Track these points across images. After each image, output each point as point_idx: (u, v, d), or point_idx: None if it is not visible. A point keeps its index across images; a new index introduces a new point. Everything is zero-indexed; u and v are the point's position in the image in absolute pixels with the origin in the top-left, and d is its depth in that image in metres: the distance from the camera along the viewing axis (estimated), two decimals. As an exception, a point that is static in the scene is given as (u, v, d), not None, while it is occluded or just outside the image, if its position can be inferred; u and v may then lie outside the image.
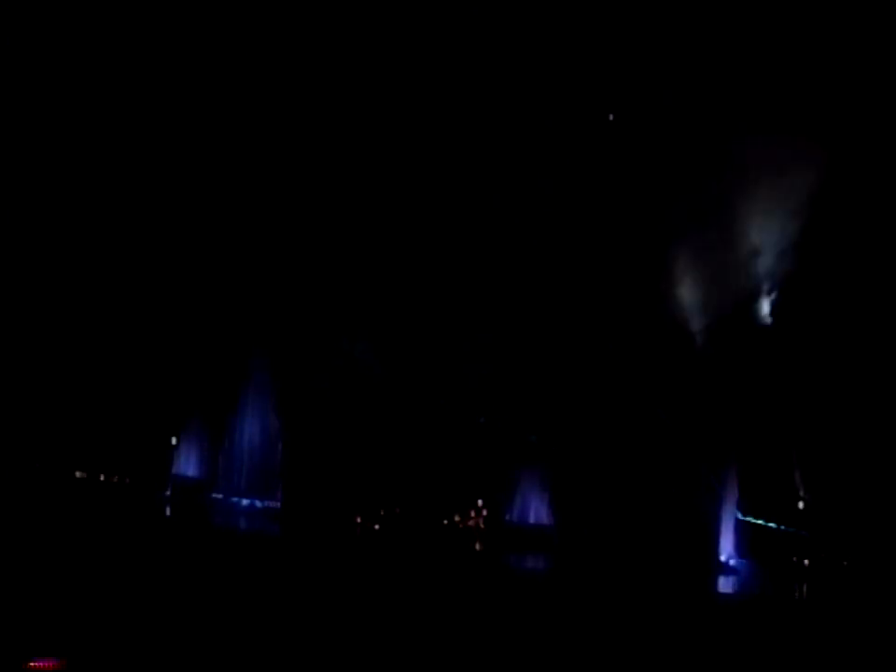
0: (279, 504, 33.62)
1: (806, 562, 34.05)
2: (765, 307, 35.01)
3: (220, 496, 33.74)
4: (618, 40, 32.97)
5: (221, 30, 33.24)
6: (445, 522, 35.68)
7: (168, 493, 33.95)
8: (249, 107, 33.91)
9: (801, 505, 34.59)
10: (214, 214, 34.33)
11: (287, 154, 34.33)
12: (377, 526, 34.41)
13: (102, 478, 34.51)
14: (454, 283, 34.50)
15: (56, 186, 33.64)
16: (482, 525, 35.73)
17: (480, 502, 35.93)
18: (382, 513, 35.08)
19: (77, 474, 34.10)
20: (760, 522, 34.65)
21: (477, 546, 34.51)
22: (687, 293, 34.91)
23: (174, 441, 34.68)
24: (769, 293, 34.91)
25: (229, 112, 33.78)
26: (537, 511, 34.43)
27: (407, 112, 34.01)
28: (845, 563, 32.76)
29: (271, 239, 34.96)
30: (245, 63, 33.44)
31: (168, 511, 32.77)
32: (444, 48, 33.35)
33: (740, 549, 33.68)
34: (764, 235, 34.09)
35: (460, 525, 35.70)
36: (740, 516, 34.14)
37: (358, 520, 34.39)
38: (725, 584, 32.25)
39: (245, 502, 33.58)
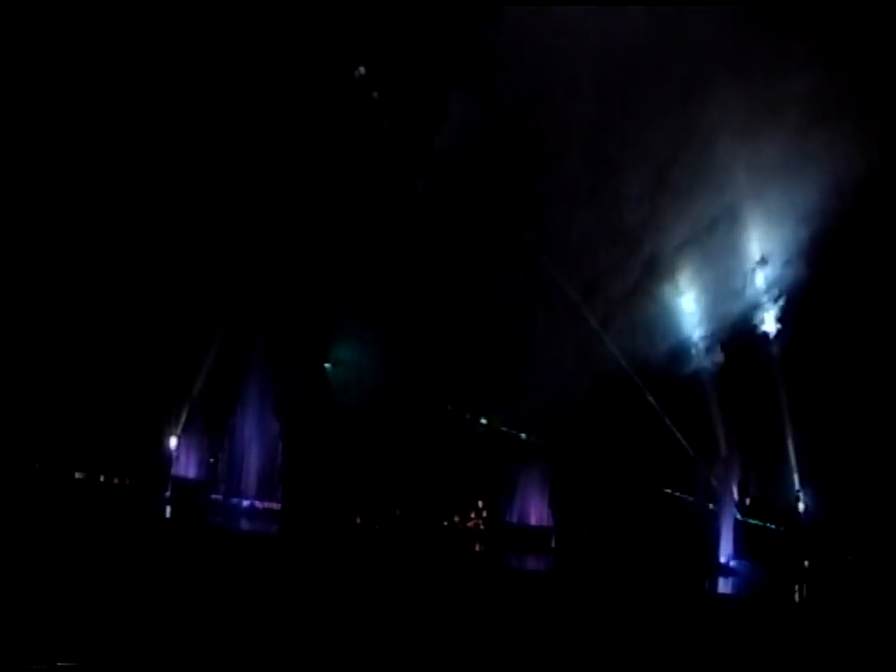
0: (279, 505, 33.59)
1: (806, 562, 34.06)
2: (770, 312, 35.20)
3: (220, 497, 33.73)
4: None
5: (220, 30, 33.24)
6: (445, 523, 35.67)
7: (168, 494, 33.94)
8: (248, 109, 33.95)
9: (801, 506, 34.60)
10: (216, 217, 34.35)
11: (290, 168, 34.46)
12: (377, 527, 34.40)
13: (102, 478, 34.50)
14: (453, 287, 34.54)
15: (56, 185, 33.63)
16: (481, 527, 35.72)
17: (480, 503, 35.93)
18: (382, 514, 35.08)
19: (77, 475, 34.08)
20: (759, 522, 34.66)
21: (477, 547, 34.50)
22: (691, 297, 35.11)
23: (174, 441, 34.67)
24: (774, 299, 35.11)
25: (228, 114, 33.80)
26: (537, 511, 34.43)
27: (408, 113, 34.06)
28: (845, 558, 32.77)
29: (270, 240, 35.00)
30: (244, 61, 33.44)
31: (168, 513, 32.74)
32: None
33: (739, 550, 33.68)
34: (772, 243, 34.36)
35: (460, 527, 35.69)
36: (739, 517, 34.15)
37: (358, 520, 34.40)
38: (725, 585, 32.25)
39: (245, 503, 33.55)
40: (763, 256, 34.70)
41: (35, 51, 32.75)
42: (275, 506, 33.56)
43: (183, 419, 34.55)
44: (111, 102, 33.25)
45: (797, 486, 34.43)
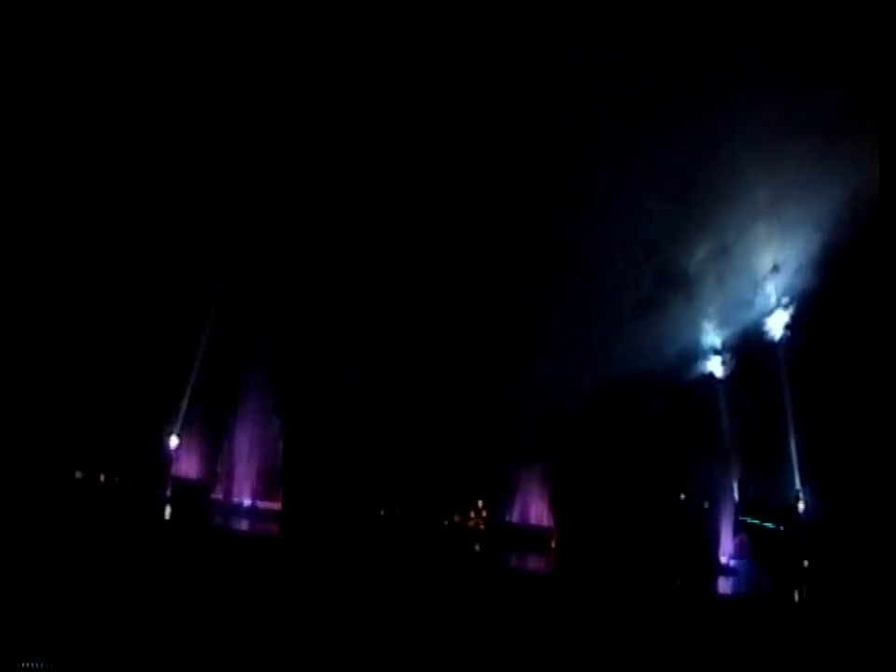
0: (279, 505, 33.60)
1: (806, 562, 34.07)
2: (774, 318, 35.50)
3: (220, 497, 33.74)
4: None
5: (222, 30, 33.27)
6: (445, 523, 35.70)
7: (168, 493, 33.96)
8: (255, 109, 34.02)
9: (801, 506, 34.65)
10: (219, 218, 34.43)
11: (298, 172, 34.54)
12: (378, 527, 34.43)
13: (102, 478, 34.52)
14: (459, 292, 34.67)
15: (57, 185, 33.66)
16: (481, 526, 35.74)
17: (480, 503, 35.96)
18: (382, 513, 35.11)
19: (77, 474, 34.10)
20: (759, 523, 34.71)
21: (477, 547, 34.52)
22: (699, 304, 35.34)
23: (174, 441, 34.69)
24: (783, 307, 35.43)
25: (234, 112, 33.86)
26: (537, 511, 34.48)
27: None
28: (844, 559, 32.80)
29: (274, 241, 35.11)
30: (246, 63, 33.48)
31: (168, 512, 32.75)
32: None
33: (740, 550, 33.74)
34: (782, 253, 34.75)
35: (460, 526, 35.72)
36: (740, 517, 34.23)
37: (359, 520, 34.42)
38: (725, 585, 32.28)
39: (245, 503, 33.55)
40: (774, 265, 35.02)
41: (35, 52, 32.80)
42: (275, 506, 33.57)
43: (183, 418, 34.61)
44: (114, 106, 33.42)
45: (797, 486, 34.50)
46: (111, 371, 33.92)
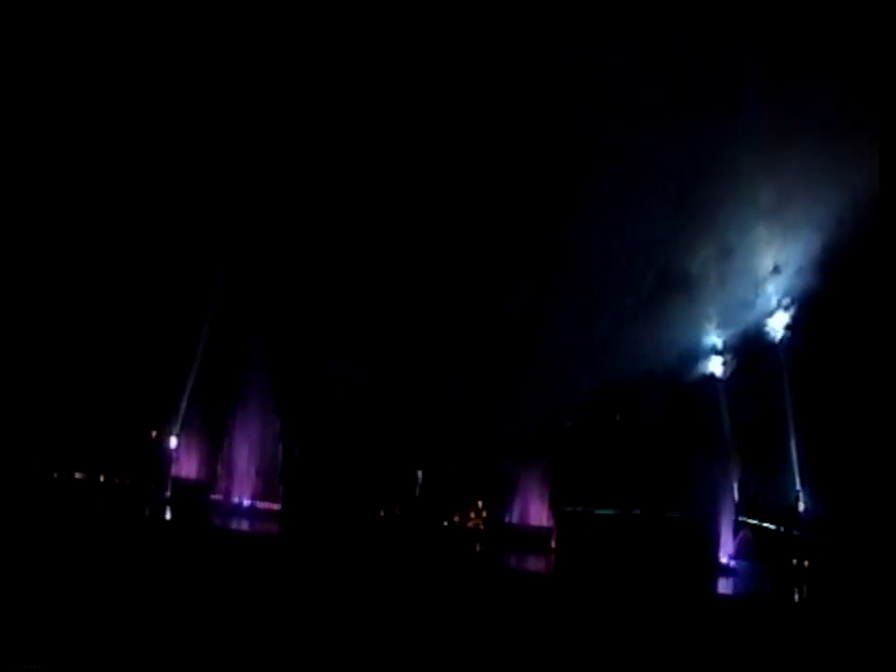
0: (279, 505, 33.59)
1: (806, 563, 34.08)
2: (776, 319, 35.58)
3: (220, 497, 33.72)
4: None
5: (222, 30, 33.29)
6: (445, 523, 35.70)
7: (168, 494, 33.96)
8: (254, 110, 34.02)
9: (801, 506, 34.65)
10: (220, 218, 34.44)
11: (300, 173, 34.55)
12: (377, 527, 34.44)
13: (102, 479, 34.52)
14: (458, 292, 34.69)
15: (56, 184, 33.68)
16: (481, 527, 35.74)
17: (480, 503, 35.96)
18: (382, 514, 35.12)
19: (77, 475, 34.10)
20: (759, 523, 34.70)
21: (477, 547, 34.52)
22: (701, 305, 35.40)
23: (174, 441, 34.69)
24: (784, 308, 35.52)
25: (231, 123, 33.89)
26: (536, 511, 34.48)
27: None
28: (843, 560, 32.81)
29: (273, 241, 35.12)
30: (246, 62, 33.49)
31: (168, 513, 32.75)
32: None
33: (740, 550, 33.73)
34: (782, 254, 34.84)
35: (460, 527, 35.71)
36: (739, 518, 34.22)
37: (359, 520, 34.42)
38: (725, 585, 32.27)
39: (245, 503, 33.54)
40: (775, 266, 35.11)
41: (34, 51, 32.82)
42: (275, 506, 33.55)
43: (183, 418, 34.60)
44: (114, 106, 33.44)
45: (797, 486, 34.51)
46: (111, 372, 33.93)
